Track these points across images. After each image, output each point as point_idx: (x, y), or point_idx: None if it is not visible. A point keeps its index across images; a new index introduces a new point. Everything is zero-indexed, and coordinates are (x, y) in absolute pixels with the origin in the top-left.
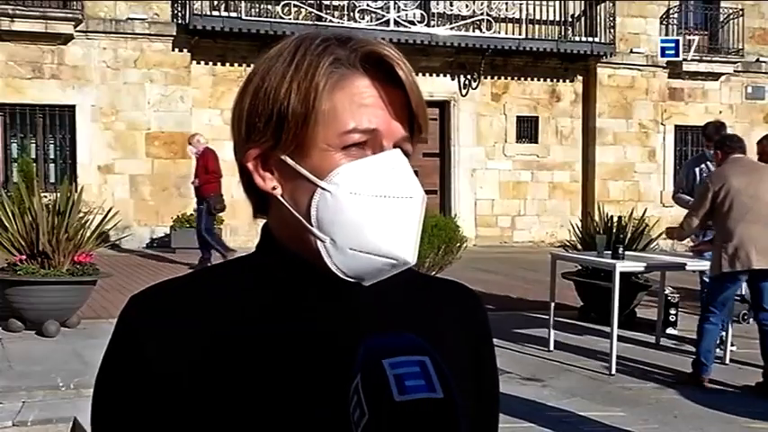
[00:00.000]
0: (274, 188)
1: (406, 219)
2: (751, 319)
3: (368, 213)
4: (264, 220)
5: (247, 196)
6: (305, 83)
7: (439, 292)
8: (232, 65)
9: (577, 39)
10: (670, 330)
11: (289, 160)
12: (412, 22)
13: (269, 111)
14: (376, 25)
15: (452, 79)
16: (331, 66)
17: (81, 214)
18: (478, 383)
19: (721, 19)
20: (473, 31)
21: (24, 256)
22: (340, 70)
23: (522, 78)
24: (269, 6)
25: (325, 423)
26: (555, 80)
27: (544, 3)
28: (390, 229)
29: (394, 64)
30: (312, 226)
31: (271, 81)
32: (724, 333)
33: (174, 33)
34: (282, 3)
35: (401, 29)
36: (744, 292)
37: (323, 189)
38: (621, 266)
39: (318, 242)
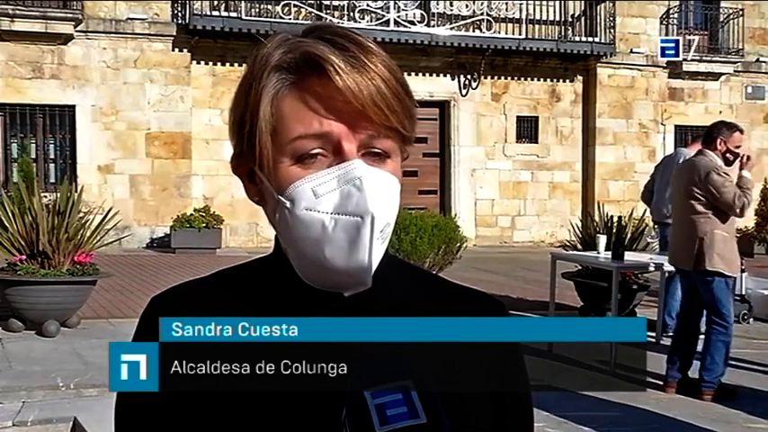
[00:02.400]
0: (257, 200)
1: (358, 239)
2: (751, 320)
3: (323, 232)
4: None
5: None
6: (253, 92)
7: (460, 303)
8: (232, 65)
9: (577, 39)
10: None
11: (257, 171)
12: (412, 22)
13: (237, 122)
14: (376, 25)
15: (452, 79)
16: (277, 72)
17: (81, 214)
18: (499, 395)
19: (721, 19)
20: (473, 31)
21: (24, 256)
22: (286, 76)
23: (522, 78)
24: (269, 6)
25: (323, 423)
26: (555, 80)
27: (544, 3)
28: (344, 249)
29: (327, 67)
30: (280, 237)
31: (239, 91)
32: None
33: (174, 33)
34: (282, 3)
35: (401, 29)
36: (743, 292)
37: (282, 203)
38: (621, 266)
39: (288, 252)
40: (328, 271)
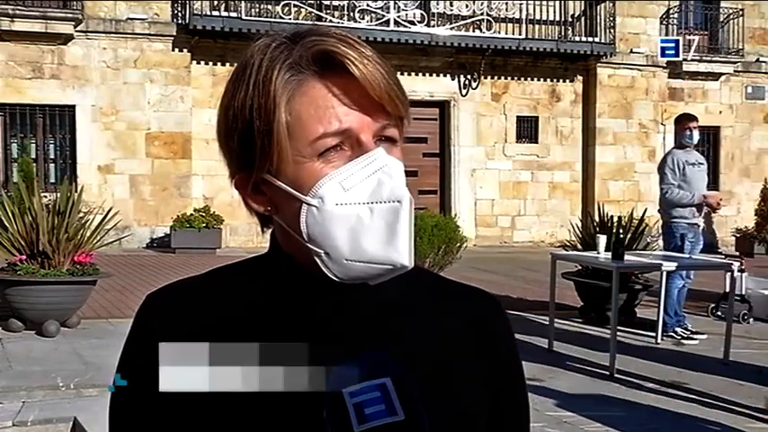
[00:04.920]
0: (268, 209)
1: (397, 223)
2: (751, 320)
3: (358, 223)
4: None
5: (250, 214)
6: (262, 98)
7: (454, 299)
8: (232, 65)
9: (577, 39)
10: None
11: (271, 178)
12: (412, 22)
13: (239, 132)
14: (376, 25)
15: (452, 79)
16: (286, 73)
17: (81, 214)
18: (493, 392)
19: (721, 19)
20: (473, 31)
21: (24, 256)
22: (297, 77)
23: (522, 78)
24: (269, 6)
25: (306, 422)
26: (555, 80)
27: (544, 3)
28: (383, 235)
29: (345, 61)
30: (305, 241)
31: (235, 101)
32: None
33: (174, 33)
34: (282, 3)
35: (401, 29)
36: (743, 292)
37: (308, 204)
38: (621, 266)
39: (314, 255)
40: (365, 262)
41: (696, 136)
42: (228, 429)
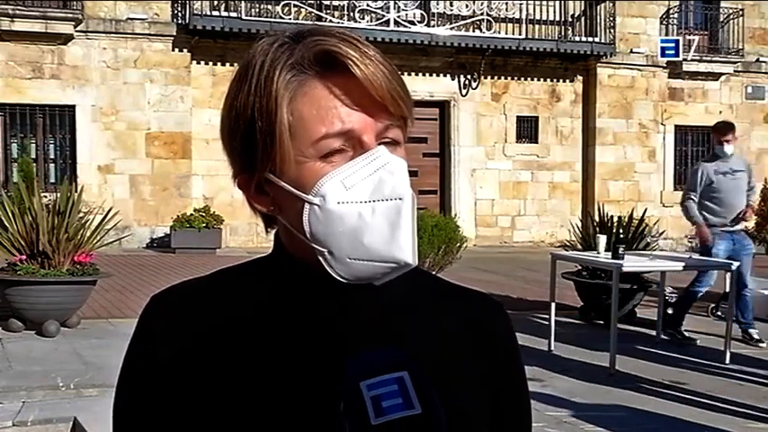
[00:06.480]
0: (271, 209)
1: (399, 220)
2: None
3: (360, 222)
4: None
5: (254, 214)
6: (264, 98)
7: (452, 300)
8: (232, 65)
9: (577, 39)
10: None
11: (273, 178)
12: (412, 22)
13: (242, 132)
14: (376, 25)
15: (452, 79)
16: (288, 74)
17: (81, 214)
18: (493, 392)
19: (721, 19)
20: (473, 31)
21: (24, 256)
22: (298, 77)
23: (522, 78)
24: (269, 6)
25: (322, 415)
26: (555, 80)
27: (544, 3)
28: (385, 233)
29: (346, 61)
30: (309, 240)
31: (238, 101)
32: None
33: (174, 33)
34: (282, 3)
35: (401, 29)
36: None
37: (310, 203)
38: (621, 266)
39: (318, 254)
40: (368, 260)
41: (730, 149)
42: (242, 425)
